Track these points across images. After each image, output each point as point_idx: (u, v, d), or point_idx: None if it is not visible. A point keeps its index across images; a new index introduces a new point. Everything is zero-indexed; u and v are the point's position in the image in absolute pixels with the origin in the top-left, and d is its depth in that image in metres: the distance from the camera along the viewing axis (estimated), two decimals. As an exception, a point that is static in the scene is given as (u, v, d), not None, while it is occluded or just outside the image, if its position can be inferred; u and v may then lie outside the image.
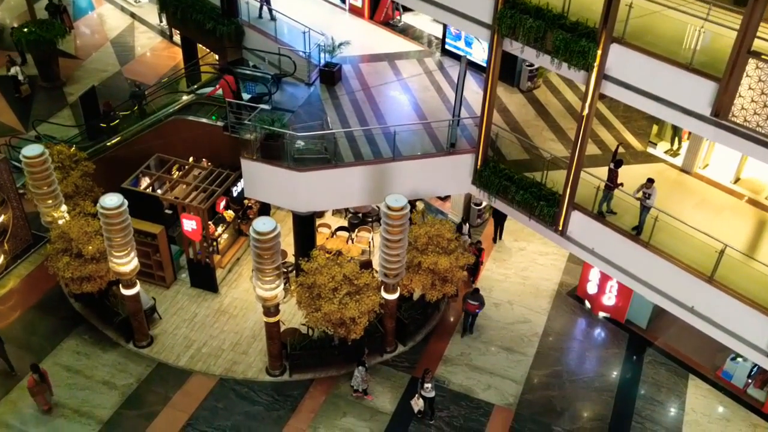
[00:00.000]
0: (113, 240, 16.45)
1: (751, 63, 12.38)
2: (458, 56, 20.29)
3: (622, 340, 19.56)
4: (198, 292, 20.34)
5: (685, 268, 15.01)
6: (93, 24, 33.10)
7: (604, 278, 19.57)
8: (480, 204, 22.57)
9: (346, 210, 22.80)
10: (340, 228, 21.90)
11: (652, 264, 15.58)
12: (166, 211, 20.18)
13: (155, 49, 31.10)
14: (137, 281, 17.65)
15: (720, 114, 13.04)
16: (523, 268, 21.58)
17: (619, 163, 16.02)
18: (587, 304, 20.47)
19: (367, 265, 19.73)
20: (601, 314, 20.22)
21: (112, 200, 16.02)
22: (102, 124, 21.77)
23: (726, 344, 15.09)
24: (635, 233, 15.82)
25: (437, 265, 17.48)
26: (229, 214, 20.99)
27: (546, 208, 16.89)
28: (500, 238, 22.69)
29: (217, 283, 20.39)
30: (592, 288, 20.04)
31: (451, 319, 20.04)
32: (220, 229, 20.65)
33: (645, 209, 15.63)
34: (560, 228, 16.92)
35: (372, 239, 21.45)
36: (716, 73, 12.92)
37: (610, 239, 16.20)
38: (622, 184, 15.99)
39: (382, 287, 17.56)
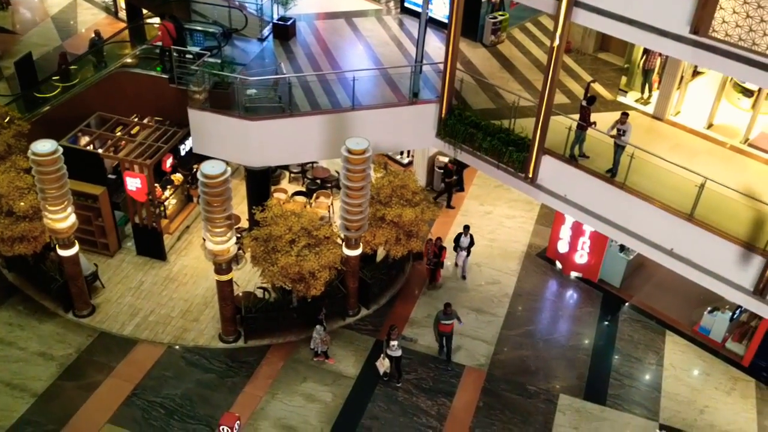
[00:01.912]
0: (47, 192, 14.97)
1: (733, -31, 11.69)
2: (418, 14, 19.37)
3: (595, 299, 18.70)
4: (144, 260, 18.89)
5: (663, 207, 14.27)
6: (32, 0, 31.41)
7: (576, 235, 18.71)
8: (443, 167, 21.60)
9: (304, 175, 21.61)
10: (298, 193, 20.67)
11: (628, 207, 14.82)
12: (110, 176, 18.75)
13: (99, 24, 29.41)
14: (75, 241, 16.17)
15: (699, 30, 12.30)
16: (490, 231, 20.61)
17: (591, 100, 15.23)
18: (558, 264, 19.57)
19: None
20: (573, 274, 19.33)
21: (45, 146, 14.57)
22: (38, 94, 20.45)
23: (708, 287, 14.31)
24: (610, 176, 15.02)
25: (401, 218, 16.42)
26: (178, 178, 19.62)
27: (515, 154, 16.00)
28: (461, 187, 22.05)
29: (166, 251, 18.97)
30: (563, 246, 19.16)
31: (416, 292, 18.89)
32: (167, 192, 19.25)
33: (619, 148, 14.84)
34: (530, 175, 16.03)
35: (332, 204, 20.28)
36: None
37: (583, 184, 15.39)
38: (595, 123, 15.20)
39: (344, 243, 16.42)
